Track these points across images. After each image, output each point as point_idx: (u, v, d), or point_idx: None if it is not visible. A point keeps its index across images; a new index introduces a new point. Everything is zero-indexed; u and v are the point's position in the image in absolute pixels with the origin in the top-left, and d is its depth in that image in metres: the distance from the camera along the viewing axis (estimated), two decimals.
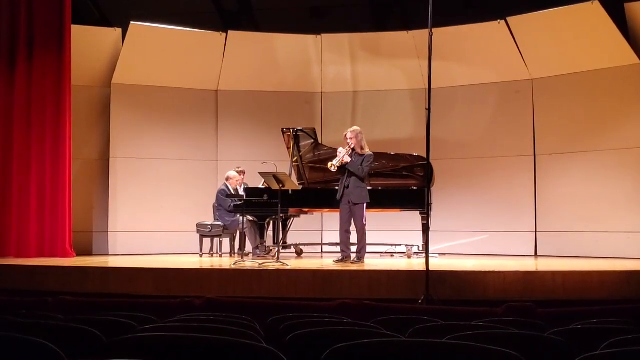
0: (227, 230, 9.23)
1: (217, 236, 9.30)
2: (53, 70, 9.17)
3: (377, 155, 8.56)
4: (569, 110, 9.56)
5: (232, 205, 8.93)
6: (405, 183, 8.95)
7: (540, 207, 9.73)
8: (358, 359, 2.36)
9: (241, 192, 9.24)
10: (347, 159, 7.61)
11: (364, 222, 7.65)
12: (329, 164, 7.68)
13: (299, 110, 10.74)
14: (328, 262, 7.96)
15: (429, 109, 5.95)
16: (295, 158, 9.01)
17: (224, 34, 10.39)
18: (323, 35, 10.53)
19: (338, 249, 8.05)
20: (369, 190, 7.85)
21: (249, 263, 7.55)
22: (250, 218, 8.86)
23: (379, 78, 10.63)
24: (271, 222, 9.07)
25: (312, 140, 9.08)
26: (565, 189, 9.52)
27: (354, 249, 7.81)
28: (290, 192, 8.18)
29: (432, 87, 6.07)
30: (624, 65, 9.04)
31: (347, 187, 7.64)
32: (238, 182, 9.45)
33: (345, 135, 7.77)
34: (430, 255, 6.15)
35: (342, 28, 10.46)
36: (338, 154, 7.71)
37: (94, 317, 3.42)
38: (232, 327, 2.92)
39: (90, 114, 10.20)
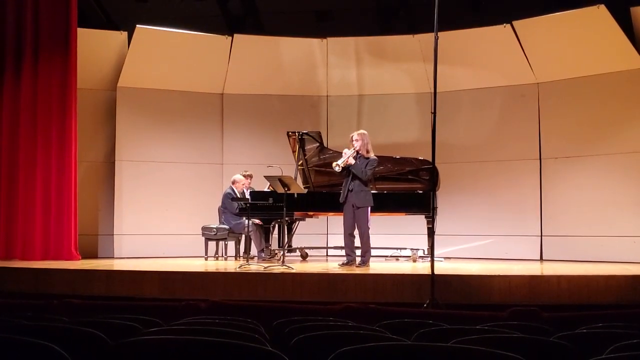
0: (232, 234, 9.24)
1: (222, 239, 9.31)
2: (59, 74, 9.19)
3: (383, 159, 8.56)
4: (574, 114, 9.54)
5: (238, 208, 8.95)
6: (410, 187, 8.94)
7: (546, 210, 9.71)
8: None
9: (247, 196, 9.24)
10: (352, 161, 7.59)
11: (368, 226, 7.64)
12: (334, 164, 7.67)
13: (304, 113, 10.74)
14: (333, 265, 7.96)
15: (434, 113, 5.94)
16: (301, 161, 9.01)
17: (230, 37, 10.41)
18: (329, 38, 10.54)
19: (343, 252, 8.04)
20: (374, 194, 7.84)
21: (254, 266, 7.55)
22: (256, 221, 8.87)
23: (385, 82, 10.62)
24: (276, 225, 9.09)
25: (318, 144, 9.08)
26: (571, 193, 9.49)
27: (359, 252, 7.80)
28: (295, 195, 8.19)
29: (437, 90, 6.07)
30: (629, 69, 9.02)
31: (351, 190, 7.61)
32: (244, 186, 9.46)
33: (352, 137, 7.75)
34: (435, 259, 6.16)
35: (348, 31, 10.47)
36: (343, 154, 7.69)
37: (99, 319, 3.43)
38: (237, 330, 2.92)
39: (95, 117, 10.23)
